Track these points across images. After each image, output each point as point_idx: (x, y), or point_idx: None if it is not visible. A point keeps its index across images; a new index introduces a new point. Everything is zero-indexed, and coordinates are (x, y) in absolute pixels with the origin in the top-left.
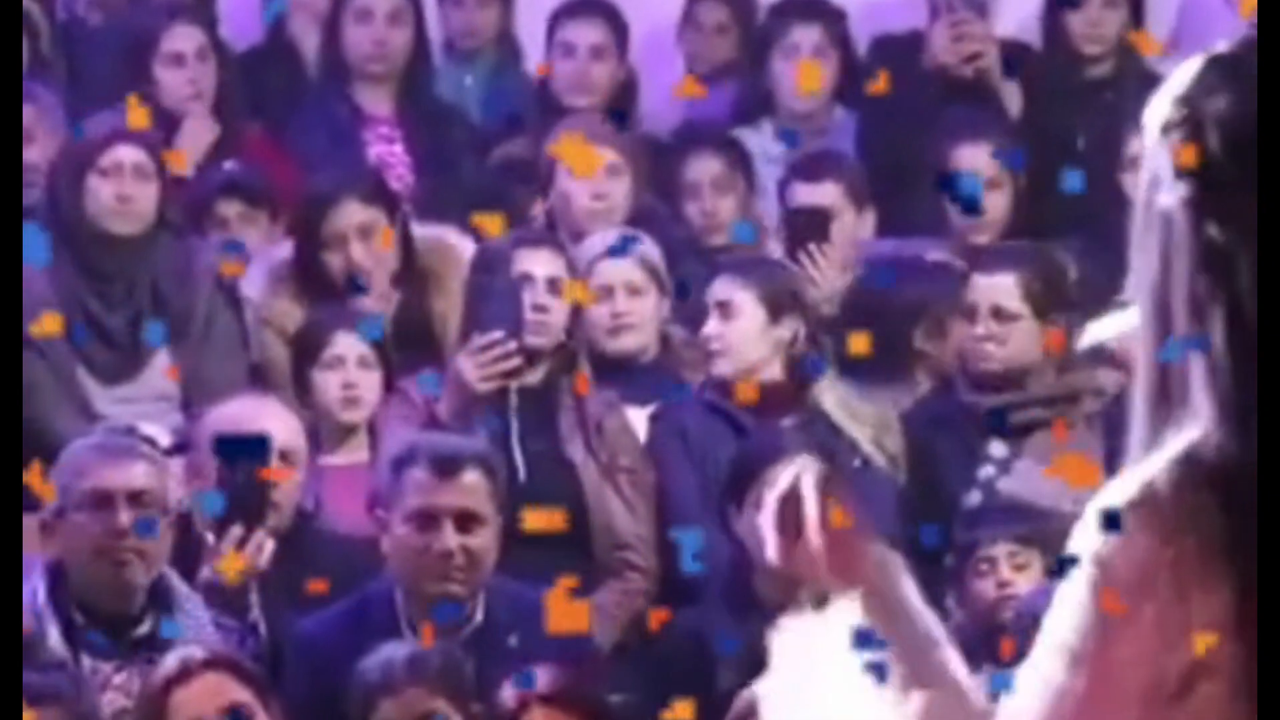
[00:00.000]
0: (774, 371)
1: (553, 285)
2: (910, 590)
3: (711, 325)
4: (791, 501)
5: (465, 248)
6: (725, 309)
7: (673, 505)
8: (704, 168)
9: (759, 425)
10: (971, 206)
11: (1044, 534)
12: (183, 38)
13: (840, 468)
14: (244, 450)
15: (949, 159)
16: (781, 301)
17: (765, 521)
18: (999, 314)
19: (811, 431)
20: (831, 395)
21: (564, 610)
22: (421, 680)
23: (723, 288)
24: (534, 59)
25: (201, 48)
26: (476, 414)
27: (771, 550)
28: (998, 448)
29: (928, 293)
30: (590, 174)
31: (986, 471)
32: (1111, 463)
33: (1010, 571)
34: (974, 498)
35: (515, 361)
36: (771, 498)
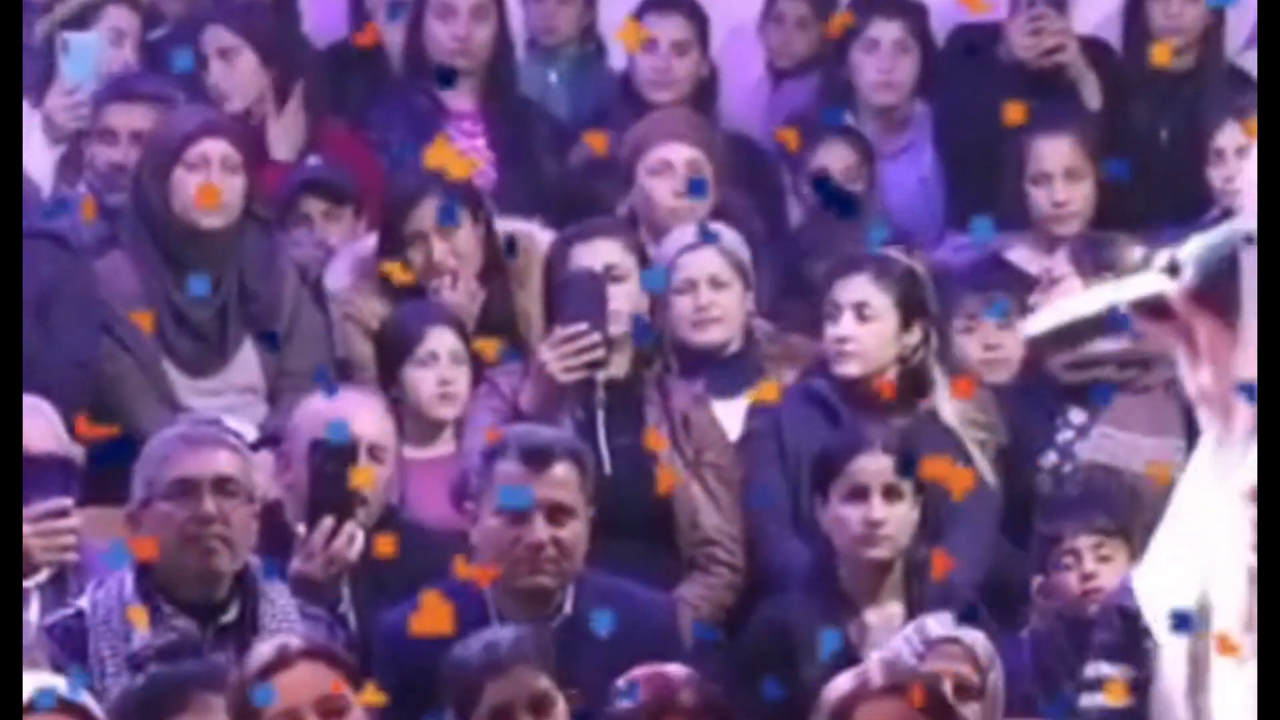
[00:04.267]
0: (889, 376)
1: (610, 273)
2: None
3: (845, 326)
4: None
5: (548, 243)
6: (861, 310)
7: (757, 500)
8: (837, 155)
9: (854, 419)
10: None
11: (1128, 525)
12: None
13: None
14: (335, 451)
15: (1030, 152)
16: (913, 307)
17: None
18: (1052, 281)
19: (919, 437)
20: (949, 403)
21: None
22: (528, 660)
23: (860, 289)
24: (617, 55)
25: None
26: (560, 406)
27: None
28: (1077, 414)
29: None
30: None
31: (1065, 435)
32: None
33: (1094, 564)
34: (1050, 458)
35: (599, 353)
36: None
